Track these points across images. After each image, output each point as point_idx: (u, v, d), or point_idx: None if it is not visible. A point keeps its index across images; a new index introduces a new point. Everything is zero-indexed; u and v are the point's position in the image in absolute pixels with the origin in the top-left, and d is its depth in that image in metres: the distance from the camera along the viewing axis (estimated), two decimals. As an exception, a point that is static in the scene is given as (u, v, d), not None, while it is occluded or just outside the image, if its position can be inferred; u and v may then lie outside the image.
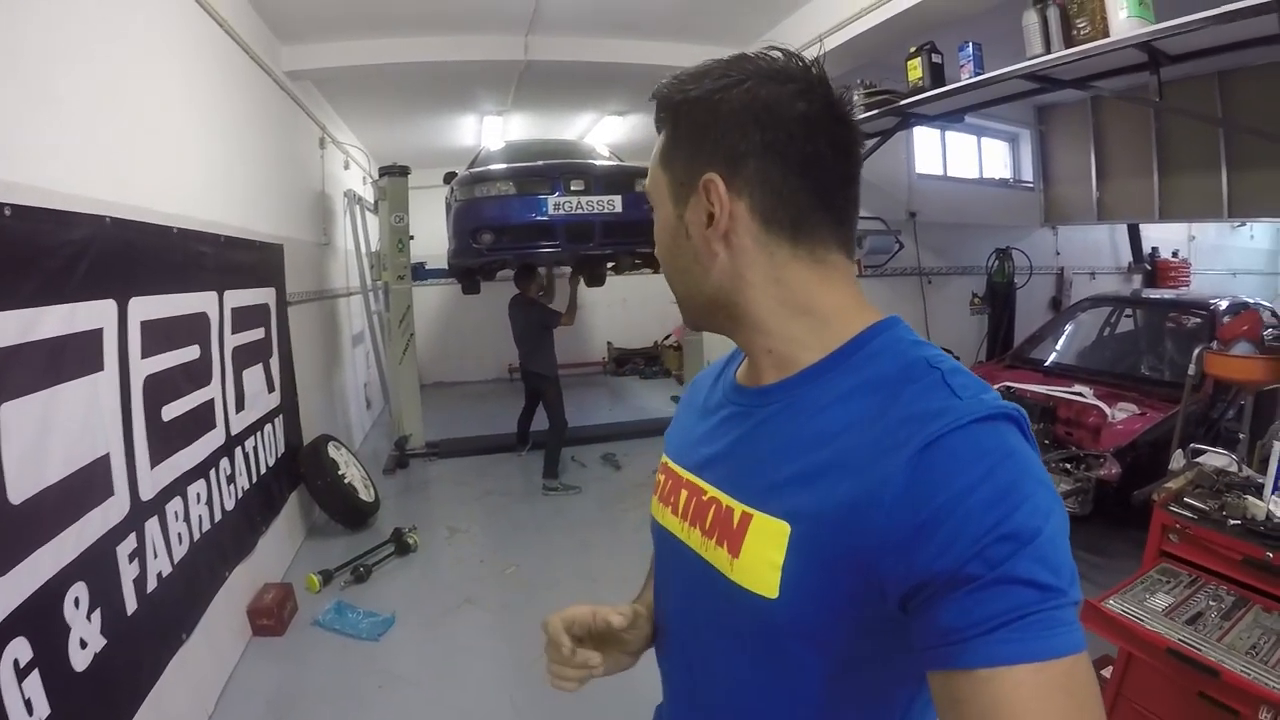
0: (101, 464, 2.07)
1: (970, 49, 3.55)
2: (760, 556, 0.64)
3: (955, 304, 6.54)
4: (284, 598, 3.22)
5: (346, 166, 6.78)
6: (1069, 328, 5.14)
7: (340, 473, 4.28)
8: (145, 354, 2.38)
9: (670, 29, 4.62)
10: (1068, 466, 3.42)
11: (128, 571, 2.15)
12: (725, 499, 0.71)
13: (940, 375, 0.61)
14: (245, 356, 3.39)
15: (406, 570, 3.87)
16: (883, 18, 3.77)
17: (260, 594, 3.20)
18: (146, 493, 2.32)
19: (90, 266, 2.02)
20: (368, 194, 6.91)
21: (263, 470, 3.56)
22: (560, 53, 4.86)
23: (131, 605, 2.15)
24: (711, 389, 0.86)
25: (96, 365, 2.08)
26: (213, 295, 3.02)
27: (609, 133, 7.62)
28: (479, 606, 3.46)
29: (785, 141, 0.66)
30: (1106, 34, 2.88)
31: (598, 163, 5.80)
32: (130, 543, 2.18)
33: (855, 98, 4.29)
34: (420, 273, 6.51)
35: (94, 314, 2.07)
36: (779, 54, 0.68)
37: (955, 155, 6.85)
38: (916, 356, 0.64)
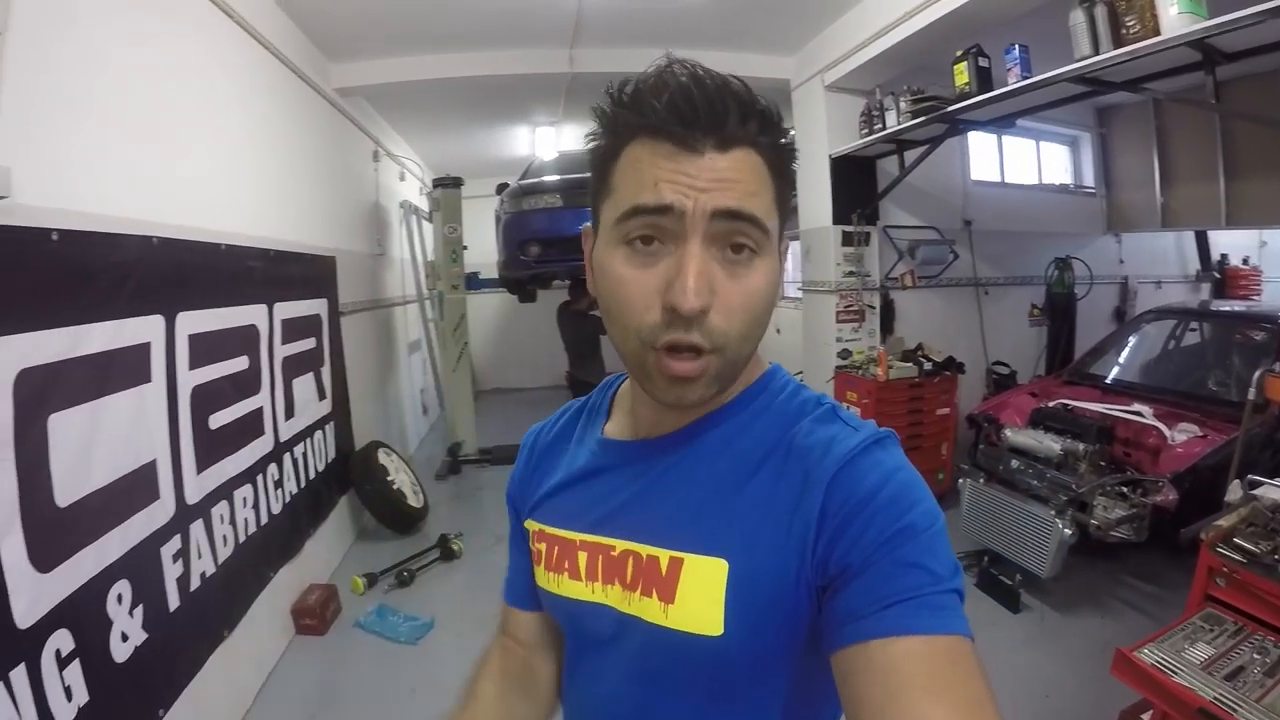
0: (147, 470, 2.19)
1: (1016, 51, 3.39)
2: (699, 597, 0.65)
3: (1013, 316, 6.28)
4: (328, 599, 3.35)
5: (402, 178, 6.98)
6: (1130, 342, 4.85)
7: (389, 478, 4.41)
8: (193, 366, 2.50)
9: (712, 37, 4.60)
10: (1124, 490, 3.20)
11: (171, 570, 2.27)
12: (644, 549, 0.70)
13: (830, 409, 0.70)
14: (295, 366, 3.53)
15: (450, 576, 3.96)
16: (925, 22, 3.63)
17: (305, 594, 3.33)
18: (192, 497, 2.44)
19: (138, 284, 2.15)
20: (423, 204, 7.09)
21: (312, 475, 3.69)
22: (605, 64, 4.89)
23: (174, 602, 2.27)
24: (567, 451, 0.84)
25: (144, 377, 2.20)
26: (262, 308, 3.16)
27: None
28: (516, 613, 3.49)
29: None
30: (1157, 32, 2.68)
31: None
32: (174, 544, 2.30)
33: (902, 104, 4.19)
34: (474, 282, 6.61)
35: (141, 329, 2.19)
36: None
37: (1012, 161, 6.55)
38: (806, 396, 0.73)
